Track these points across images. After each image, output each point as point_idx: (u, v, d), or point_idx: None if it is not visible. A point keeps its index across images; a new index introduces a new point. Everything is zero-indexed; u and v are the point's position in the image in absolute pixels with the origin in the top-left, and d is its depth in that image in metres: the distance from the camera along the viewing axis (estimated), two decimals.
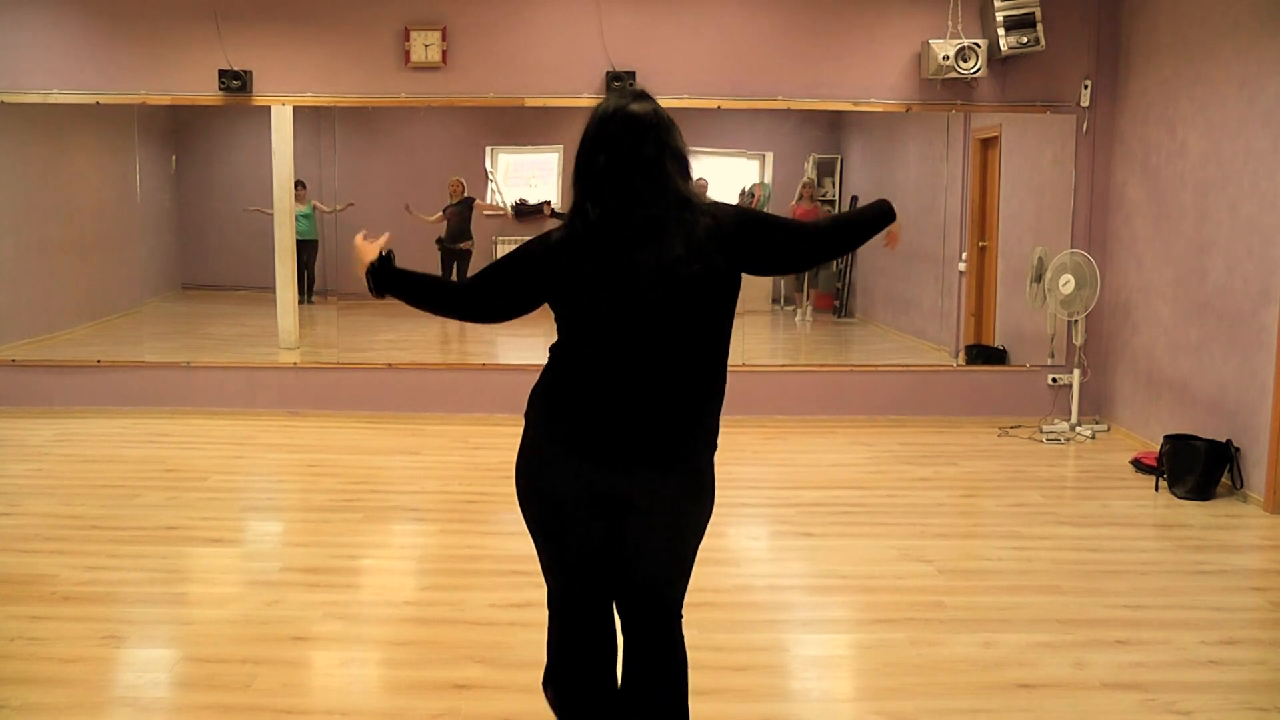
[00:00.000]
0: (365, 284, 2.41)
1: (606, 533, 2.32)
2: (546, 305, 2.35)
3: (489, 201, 8.93)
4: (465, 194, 8.66)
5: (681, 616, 2.43)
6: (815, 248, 2.42)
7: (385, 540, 4.80)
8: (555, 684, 2.47)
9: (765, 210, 2.45)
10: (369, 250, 2.42)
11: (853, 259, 9.17)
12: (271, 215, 7.43)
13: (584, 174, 2.26)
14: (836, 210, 9.15)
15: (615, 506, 2.29)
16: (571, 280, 2.23)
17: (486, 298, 2.36)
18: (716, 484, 2.40)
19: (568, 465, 2.27)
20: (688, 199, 2.25)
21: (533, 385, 2.38)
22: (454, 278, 8.37)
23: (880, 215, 2.49)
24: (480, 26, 7.02)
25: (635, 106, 2.25)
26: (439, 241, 8.53)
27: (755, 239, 2.29)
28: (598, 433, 2.24)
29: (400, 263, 2.44)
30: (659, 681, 2.40)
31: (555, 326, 2.34)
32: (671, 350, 2.24)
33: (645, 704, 2.41)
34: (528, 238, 2.36)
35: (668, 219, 2.21)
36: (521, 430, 2.38)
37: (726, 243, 2.23)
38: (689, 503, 2.33)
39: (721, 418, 2.38)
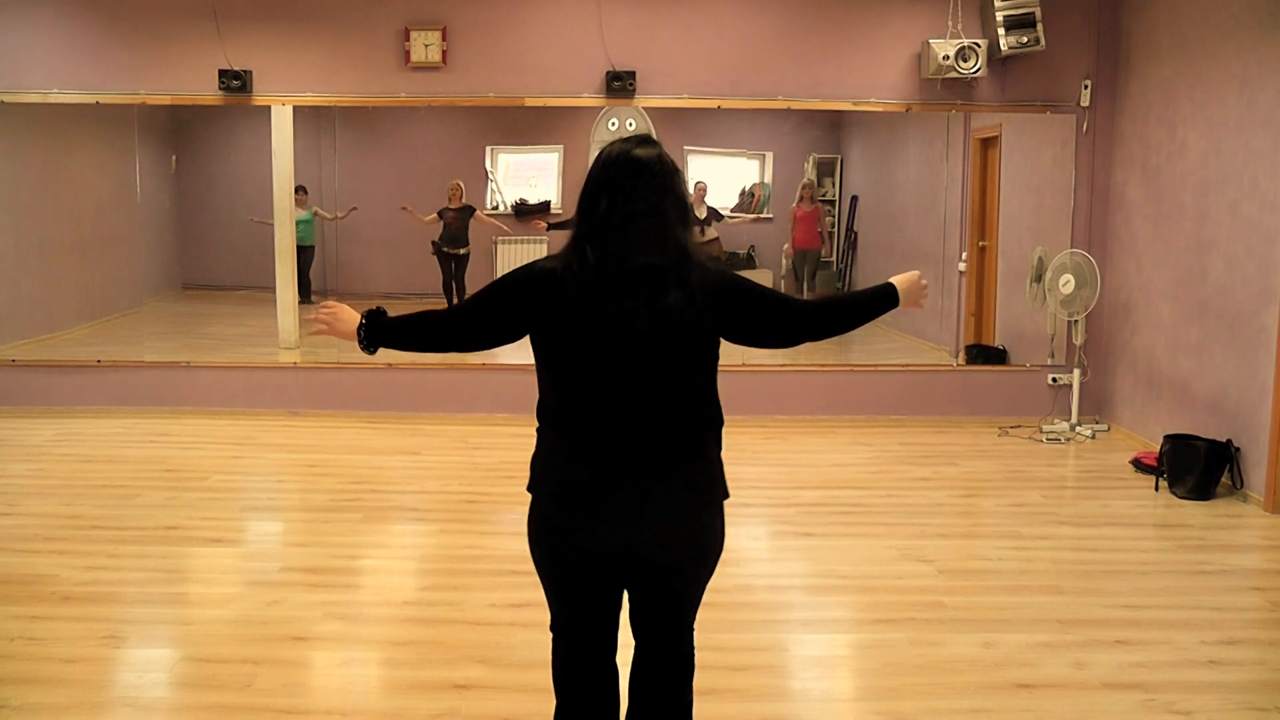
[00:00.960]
0: (357, 342, 2.36)
1: (619, 585, 2.33)
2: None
3: (489, 205, 8.93)
4: (465, 200, 8.65)
5: (693, 629, 2.44)
6: (803, 326, 2.39)
7: (385, 540, 4.79)
8: (562, 700, 2.45)
9: (756, 282, 2.38)
10: (348, 312, 2.38)
11: (852, 258, 9.18)
12: (273, 225, 7.43)
13: (586, 216, 2.23)
14: (836, 210, 9.16)
15: (630, 561, 2.27)
16: (566, 321, 2.19)
17: (476, 325, 2.32)
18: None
19: (580, 529, 2.24)
20: (686, 249, 2.23)
21: (534, 400, 2.35)
22: (452, 282, 8.39)
23: (880, 298, 2.44)
24: (480, 26, 7.02)
25: (639, 151, 2.22)
26: (435, 245, 8.51)
27: (740, 306, 2.27)
28: (604, 491, 2.22)
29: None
30: (667, 688, 2.41)
31: (538, 382, 2.30)
32: (667, 397, 2.23)
33: (652, 708, 2.41)
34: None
35: (666, 267, 2.19)
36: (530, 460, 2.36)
37: (713, 303, 2.22)
38: (702, 553, 2.32)
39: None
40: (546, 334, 2.24)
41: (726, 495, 2.38)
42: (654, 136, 2.31)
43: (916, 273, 2.52)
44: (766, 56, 7.04)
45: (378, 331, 2.35)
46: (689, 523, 2.28)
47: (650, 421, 2.22)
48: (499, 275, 2.31)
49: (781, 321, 2.36)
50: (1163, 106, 6.38)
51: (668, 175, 2.23)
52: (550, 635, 2.45)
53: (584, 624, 2.38)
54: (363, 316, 2.36)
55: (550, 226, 8.42)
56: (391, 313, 2.39)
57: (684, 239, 2.24)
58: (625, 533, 2.23)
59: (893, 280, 2.48)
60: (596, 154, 2.28)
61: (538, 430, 2.33)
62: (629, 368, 2.20)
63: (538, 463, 2.33)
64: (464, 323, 2.35)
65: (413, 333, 2.37)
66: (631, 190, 2.20)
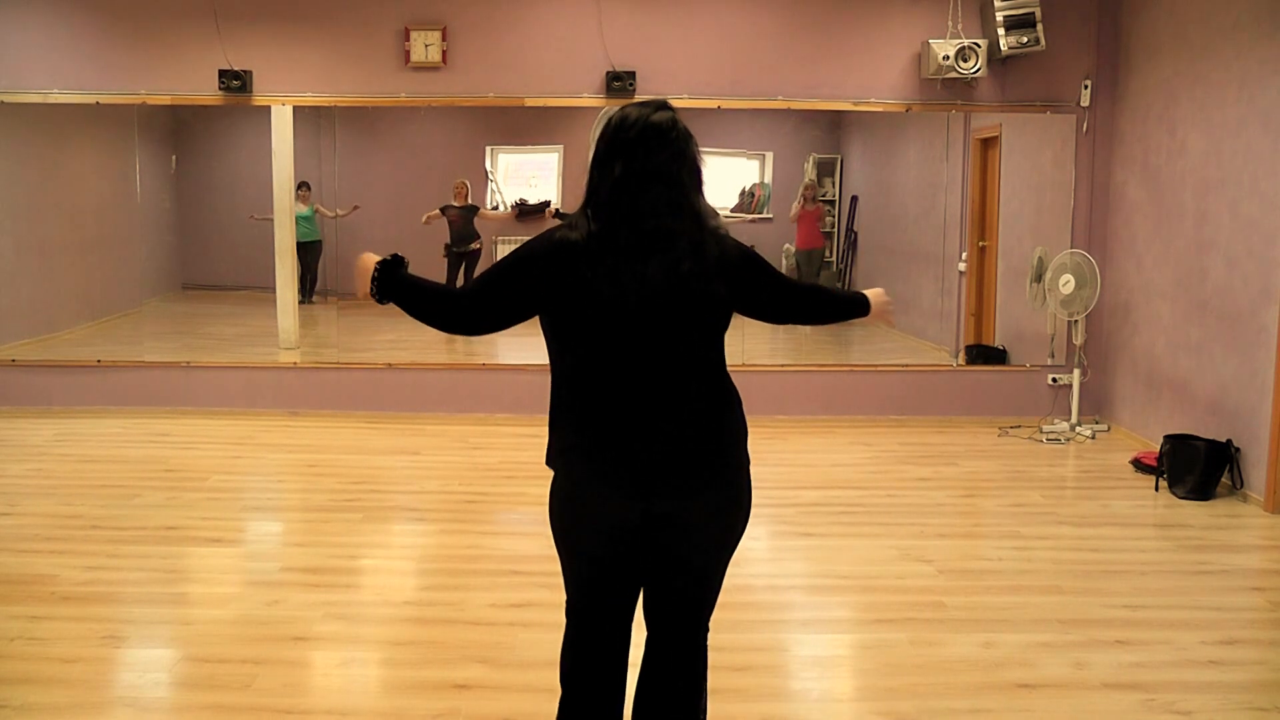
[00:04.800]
0: (369, 289, 2.26)
1: (645, 557, 2.30)
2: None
3: (489, 205, 8.94)
4: (469, 199, 8.67)
5: (708, 630, 2.43)
6: (796, 309, 2.46)
7: (385, 540, 4.80)
8: (567, 688, 2.43)
9: (766, 260, 2.40)
10: (371, 259, 2.30)
11: (852, 258, 9.17)
12: (273, 220, 7.43)
13: (599, 179, 2.20)
14: (836, 210, 9.16)
15: (658, 528, 2.26)
16: (578, 288, 2.16)
17: (487, 305, 2.24)
18: None
19: (609, 501, 2.22)
20: (700, 215, 2.22)
21: (547, 414, 2.32)
22: (460, 281, 8.39)
23: (855, 305, 2.57)
24: (480, 26, 7.02)
25: (655, 116, 2.21)
26: (446, 246, 8.56)
27: (753, 281, 2.30)
28: (630, 459, 2.19)
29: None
30: (680, 692, 2.39)
31: (550, 351, 2.27)
32: (685, 363, 2.21)
33: (662, 710, 2.40)
34: (528, 238, 2.31)
35: (680, 232, 2.18)
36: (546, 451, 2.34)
37: (727, 273, 2.22)
38: (730, 519, 2.32)
39: None
40: (565, 304, 2.19)
41: (748, 460, 2.35)
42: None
43: (882, 290, 2.65)
44: (766, 56, 7.05)
45: (392, 285, 2.26)
46: (712, 491, 2.26)
47: (667, 388, 2.20)
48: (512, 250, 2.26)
49: (785, 303, 2.41)
50: (1163, 106, 6.38)
51: (683, 140, 2.22)
52: (560, 630, 2.42)
53: (601, 605, 2.35)
54: (376, 265, 2.26)
55: (556, 215, 8.43)
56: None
57: (698, 205, 2.23)
58: (647, 502, 2.22)
59: (867, 293, 2.60)
60: (609, 117, 2.24)
61: (553, 402, 2.29)
62: (642, 334, 2.17)
63: (557, 433, 2.29)
64: (483, 301, 2.24)
65: (427, 301, 2.28)
66: (646, 155, 2.18)
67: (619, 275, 2.15)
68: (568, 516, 2.29)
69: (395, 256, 2.29)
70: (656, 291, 2.15)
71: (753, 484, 2.35)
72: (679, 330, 2.20)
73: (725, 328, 2.29)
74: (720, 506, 2.28)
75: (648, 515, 2.23)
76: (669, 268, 2.15)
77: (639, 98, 6.88)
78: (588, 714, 2.40)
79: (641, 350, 2.19)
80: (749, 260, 2.29)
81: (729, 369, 2.34)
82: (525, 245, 2.24)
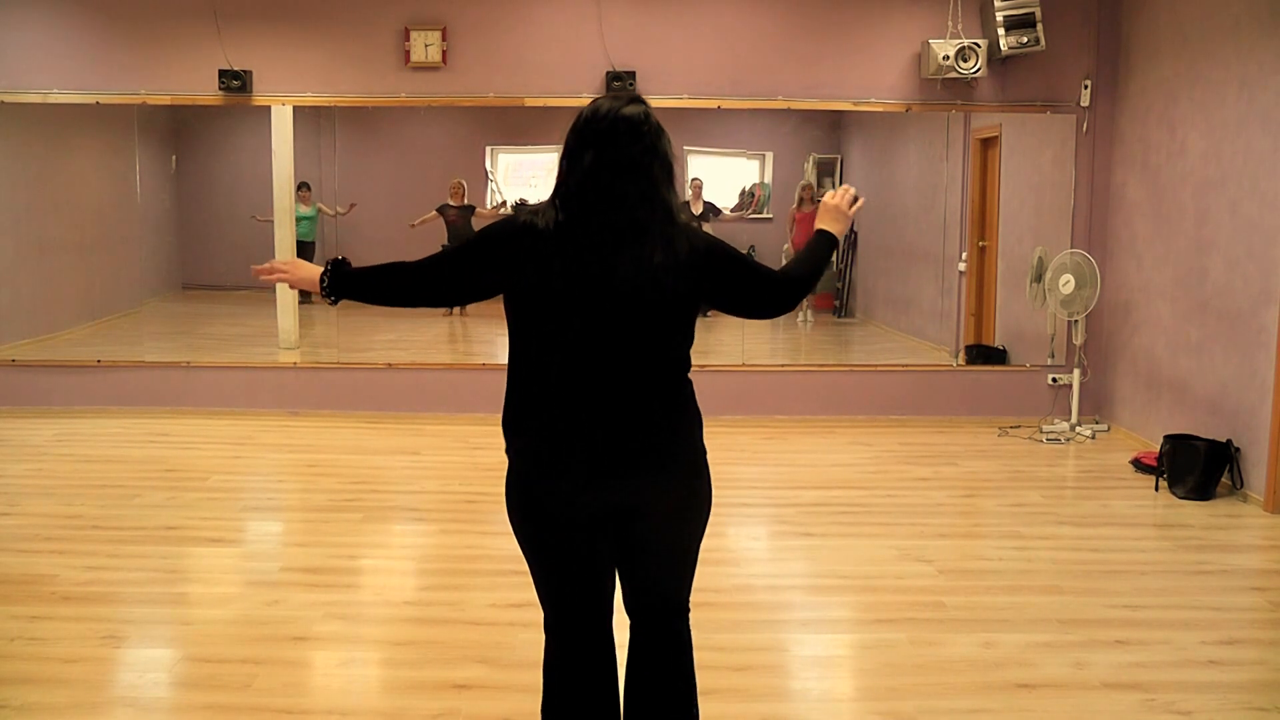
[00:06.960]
0: (320, 291, 2.32)
1: (610, 548, 2.30)
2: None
3: (489, 206, 8.95)
4: (466, 199, 8.68)
5: (689, 611, 2.42)
6: (782, 299, 2.38)
7: (385, 540, 4.80)
8: (554, 709, 2.40)
9: (742, 251, 2.38)
10: (307, 267, 2.38)
11: (852, 258, 9.18)
12: (273, 222, 7.43)
13: (569, 170, 2.20)
14: None
15: (618, 519, 2.26)
16: (545, 275, 2.15)
17: (439, 275, 2.28)
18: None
19: (566, 489, 2.21)
20: (671, 210, 2.21)
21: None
22: None
23: (824, 246, 2.48)
24: (480, 26, 7.02)
25: (627, 109, 2.20)
26: (444, 247, 8.57)
27: (722, 272, 2.26)
28: (589, 448, 2.19)
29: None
30: (667, 679, 2.38)
31: (509, 335, 2.26)
32: (645, 355, 2.21)
33: (653, 702, 2.39)
34: None
35: (651, 224, 2.17)
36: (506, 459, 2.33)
37: (696, 268, 2.20)
38: (690, 501, 2.31)
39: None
40: (525, 289, 2.19)
41: (703, 449, 2.35)
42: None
43: (829, 195, 2.55)
44: (766, 56, 7.04)
45: (341, 281, 2.31)
46: (671, 482, 2.26)
47: (628, 381, 2.20)
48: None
49: (764, 294, 2.36)
50: (1163, 106, 6.38)
51: (655, 134, 2.22)
52: (544, 634, 2.42)
53: (577, 609, 2.33)
54: (326, 264, 2.32)
55: None
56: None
57: (669, 199, 2.22)
58: (605, 495, 2.22)
59: (819, 224, 2.52)
60: (581, 110, 2.25)
61: (507, 393, 2.28)
62: (607, 324, 2.17)
63: (516, 420, 2.27)
64: (438, 275, 2.29)
65: (380, 283, 2.31)
66: (618, 147, 2.17)
67: (587, 266, 2.14)
68: (524, 507, 2.28)
69: (340, 259, 2.34)
70: (625, 284, 2.15)
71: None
72: (643, 322, 2.19)
73: (692, 323, 2.27)
74: (677, 493, 2.28)
75: (602, 505, 2.23)
76: (640, 260, 2.15)
77: None
78: None
79: (603, 340, 2.18)
80: (717, 252, 2.26)
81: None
82: (490, 225, 2.26)
